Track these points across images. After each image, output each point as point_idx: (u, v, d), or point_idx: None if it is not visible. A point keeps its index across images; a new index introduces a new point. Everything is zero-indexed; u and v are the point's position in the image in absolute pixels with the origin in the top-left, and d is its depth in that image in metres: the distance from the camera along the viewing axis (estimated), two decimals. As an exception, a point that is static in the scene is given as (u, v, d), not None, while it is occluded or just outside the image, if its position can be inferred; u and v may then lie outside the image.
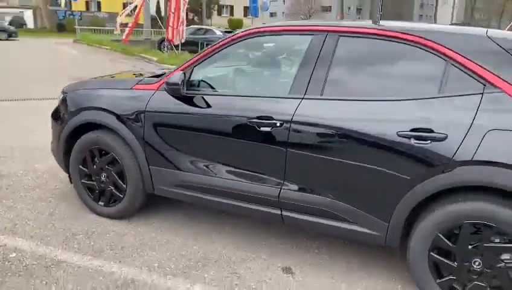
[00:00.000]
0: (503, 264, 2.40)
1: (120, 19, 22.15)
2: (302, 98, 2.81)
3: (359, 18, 75.55)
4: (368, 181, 2.65)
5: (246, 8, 53.09)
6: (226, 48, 3.14)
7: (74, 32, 29.68)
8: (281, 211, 2.95)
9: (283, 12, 76.00)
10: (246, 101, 3.00)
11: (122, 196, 3.51)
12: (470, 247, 2.46)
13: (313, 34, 2.90)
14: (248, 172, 3.01)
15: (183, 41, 18.77)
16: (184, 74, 3.09)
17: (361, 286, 2.85)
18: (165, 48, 21.07)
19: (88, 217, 3.63)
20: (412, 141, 2.49)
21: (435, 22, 68.46)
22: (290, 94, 2.86)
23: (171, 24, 21.12)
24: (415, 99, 2.56)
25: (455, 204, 2.47)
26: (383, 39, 2.72)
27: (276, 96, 2.93)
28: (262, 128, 2.85)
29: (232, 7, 57.37)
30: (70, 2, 47.30)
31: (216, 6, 51.14)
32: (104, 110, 3.41)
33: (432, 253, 2.57)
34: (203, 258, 3.10)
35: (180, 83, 3.00)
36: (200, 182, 3.17)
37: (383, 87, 2.72)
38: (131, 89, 3.39)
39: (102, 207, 3.62)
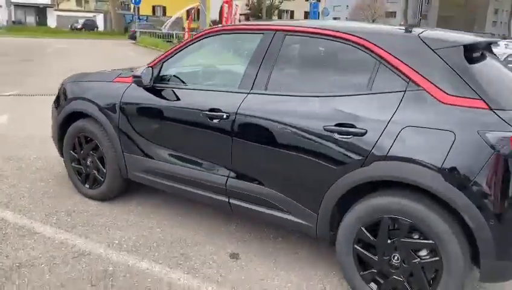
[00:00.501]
0: (418, 260, 2.44)
1: (171, 21, 23.19)
2: (248, 93, 2.98)
3: (427, 24, 73.03)
4: (299, 173, 2.77)
5: (306, 13, 53.18)
6: (189, 45, 3.38)
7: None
8: (229, 199, 3.13)
9: (346, 18, 75.24)
10: (203, 95, 3.22)
11: (103, 180, 3.84)
12: (389, 241, 2.52)
13: (263, 33, 3.06)
14: (202, 161, 3.22)
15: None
16: (152, 68, 3.36)
17: (299, 275, 2.96)
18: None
19: (75, 197, 4.00)
20: (336, 136, 2.59)
21: (509, 29, 64.55)
22: (239, 89, 3.04)
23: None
24: (345, 95, 2.66)
25: (375, 198, 2.54)
26: (322, 38, 2.84)
27: (227, 91, 3.12)
28: (213, 120, 3.05)
29: (292, 12, 57.66)
30: (138, 7, 50.03)
31: (276, 11, 51.59)
32: (89, 100, 3.76)
33: (356, 246, 2.64)
34: (160, 239, 3.34)
35: (141, 75, 3.27)
36: (163, 169, 3.42)
37: (318, 83, 2.84)
38: (112, 81, 3.71)
39: (87, 189, 3.97)
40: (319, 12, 53.59)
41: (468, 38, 2.60)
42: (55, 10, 54.55)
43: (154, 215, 3.74)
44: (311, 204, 2.77)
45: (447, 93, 2.38)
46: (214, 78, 3.70)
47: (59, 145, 4.15)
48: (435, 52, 2.49)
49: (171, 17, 42.09)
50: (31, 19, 50.43)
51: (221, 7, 21.78)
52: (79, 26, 47.28)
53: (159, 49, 22.84)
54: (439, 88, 2.41)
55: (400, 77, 2.52)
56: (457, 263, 2.33)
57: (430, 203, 2.38)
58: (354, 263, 2.67)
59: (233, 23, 20.79)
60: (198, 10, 23.72)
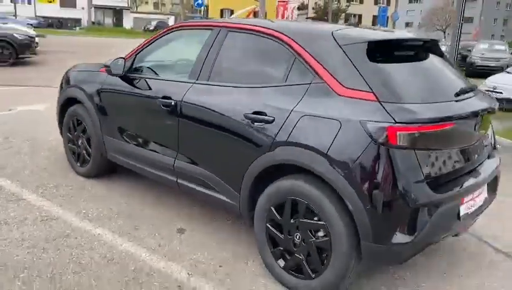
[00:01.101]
0: (314, 239, 2.63)
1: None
2: (194, 83, 3.30)
3: (507, 30, 68.79)
4: (225, 155, 3.06)
5: (375, 17, 52.17)
6: (157, 40, 3.76)
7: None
8: (177, 179, 3.46)
9: (419, 23, 72.71)
10: (161, 83, 3.58)
11: (89, 159, 4.32)
12: (292, 221, 2.73)
13: (211, 29, 3.37)
14: (157, 143, 3.59)
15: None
16: (124, 59, 3.77)
17: (231, 252, 3.22)
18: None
19: (69, 174, 4.52)
20: (252, 122, 2.84)
21: None
22: (188, 79, 3.37)
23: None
24: (266, 86, 2.90)
25: (281, 181, 2.76)
26: (255, 34, 3.09)
27: (179, 81, 3.45)
28: (165, 107, 3.40)
29: (360, 16, 56.72)
30: (207, 10, 51.81)
31: (343, 14, 51.04)
32: (79, 87, 4.26)
33: (268, 225, 2.87)
34: (122, 212, 3.74)
35: (110, 65, 3.70)
36: (130, 150, 3.83)
37: (248, 75, 3.10)
38: (98, 71, 4.17)
39: (78, 167, 4.48)
40: (388, 17, 52.16)
41: (378, 35, 2.75)
42: (132, 12, 57.96)
43: (129, 193, 4.14)
44: (235, 185, 3.02)
45: (344, 86, 2.56)
46: (173, 69, 4.04)
47: (59, 127, 4.70)
48: (341, 48, 2.66)
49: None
50: (108, 20, 53.96)
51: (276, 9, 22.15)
52: (151, 28, 49.84)
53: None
54: (338, 81, 2.58)
55: (309, 70, 2.72)
56: (342, 245, 2.50)
57: (322, 186, 2.56)
58: (266, 241, 2.90)
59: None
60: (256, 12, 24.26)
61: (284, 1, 24.02)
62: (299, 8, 63.53)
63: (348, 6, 51.11)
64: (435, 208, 2.45)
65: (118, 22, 54.35)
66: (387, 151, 2.35)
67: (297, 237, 2.72)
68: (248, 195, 2.96)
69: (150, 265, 3.01)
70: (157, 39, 3.76)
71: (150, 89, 3.60)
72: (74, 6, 51.42)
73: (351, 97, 2.51)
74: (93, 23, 48.01)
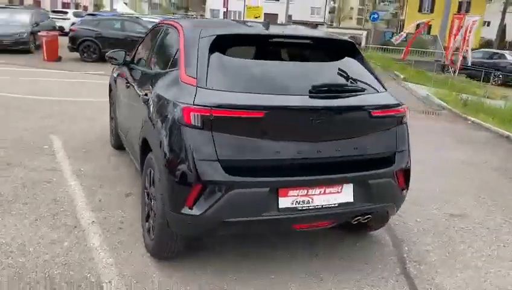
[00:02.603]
0: (154, 205, 3.03)
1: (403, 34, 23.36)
2: (142, 69, 3.96)
3: None
4: (136, 130, 3.61)
5: None
6: (146, 36, 4.52)
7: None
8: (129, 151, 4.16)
9: None
10: (134, 71, 4.31)
11: (112, 135, 5.36)
12: (150, 189, 3.15)
13: (163, 26, 3.97)
14: (127, 117, 4.34)
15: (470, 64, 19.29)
16: (125, 51, 4.63)
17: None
18: (448, 71, 20.81)
19: (104, 145, 5.57)
20: (143, 102, 3.36)
21: None
22: (142, 67, 4.04)
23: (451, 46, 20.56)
24: (161, 72, 3.38)
25: (149, 153, 3.20)
26: (171, 28, 3.62)
27: (140, 68, 4.14)
28: (127, 88, 4.16)
29: None
30: (403, 23, 50.21)
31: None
32: (113, 75, 5.31)
33: (145, 191, 3.33)
34: (106, 175, 4.59)
35: (111, 55, 4.56)
36: (121, 126, 4.68)
37: (160, 62, 3.63)
38: (122, 61, 5.13)
39: (112, 139, 5.53)
40: None
41: (230, 30, 3.01)
42: (328, 27, 60.16)
43: (125, 162, 4.97)
44: (137, 155, 3.57)
45: (185, 73, 2.88)
46: (146, 59, 4.67)
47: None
48: (198, 40, 2.98)
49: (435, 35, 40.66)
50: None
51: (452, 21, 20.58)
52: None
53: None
54: (184, 68, 2.92)
55: (178, 58, 3.11)
56: (158, 210, 2.84)
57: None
58: (143, 205, 3.36)
59: (465, 43, 19.25)
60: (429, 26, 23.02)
61: (460, 14, 22.15)
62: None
63: None
64: (227, 188, 2.59)
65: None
66: (183, 129, 2.62)
67: (153, 203, 3.12)
68: (140, 164, 3.47)
69: (74, 210, 3.78)
70: (147, 35, 4.52)
71: (129, 75, 4.38)
72: (276, 19, 56.07)
73: (185, 82, 2.83)
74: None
